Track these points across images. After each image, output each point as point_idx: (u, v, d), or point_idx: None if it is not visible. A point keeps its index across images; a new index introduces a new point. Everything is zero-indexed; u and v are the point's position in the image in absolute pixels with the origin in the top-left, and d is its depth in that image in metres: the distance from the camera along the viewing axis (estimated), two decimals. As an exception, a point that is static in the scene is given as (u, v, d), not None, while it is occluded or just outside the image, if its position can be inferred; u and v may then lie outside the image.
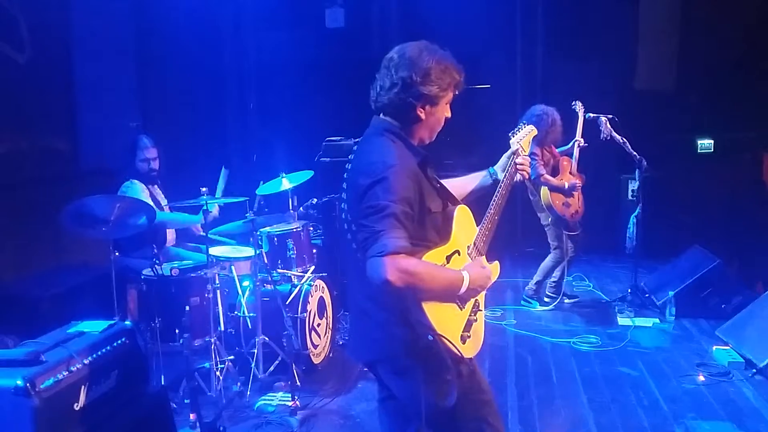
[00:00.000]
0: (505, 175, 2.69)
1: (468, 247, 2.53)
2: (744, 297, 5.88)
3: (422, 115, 2.42)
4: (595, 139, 6.29)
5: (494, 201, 2.64)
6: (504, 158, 2.76)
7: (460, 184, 2.73)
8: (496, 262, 2.58)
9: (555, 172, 6.19)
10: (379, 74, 2.47)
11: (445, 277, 2.34)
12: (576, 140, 6.25)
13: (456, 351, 2.34)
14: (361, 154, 2.45)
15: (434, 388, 2.37)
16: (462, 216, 2.52)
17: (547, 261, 6.40)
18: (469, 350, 2.46)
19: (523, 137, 2.80)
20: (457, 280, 2.34)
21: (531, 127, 2.88)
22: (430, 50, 2.41)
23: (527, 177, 2.76)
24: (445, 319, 2.34)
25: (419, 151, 2.44)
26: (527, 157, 2.75)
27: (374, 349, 2.47)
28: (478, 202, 2.72)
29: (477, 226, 2.60)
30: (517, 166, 2.70)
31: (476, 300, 2.51)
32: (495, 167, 2.78)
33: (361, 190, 2.28)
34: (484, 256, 2.57)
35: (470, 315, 2.48)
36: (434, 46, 2.44)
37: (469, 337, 2.46)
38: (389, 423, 2.67)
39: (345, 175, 2.48)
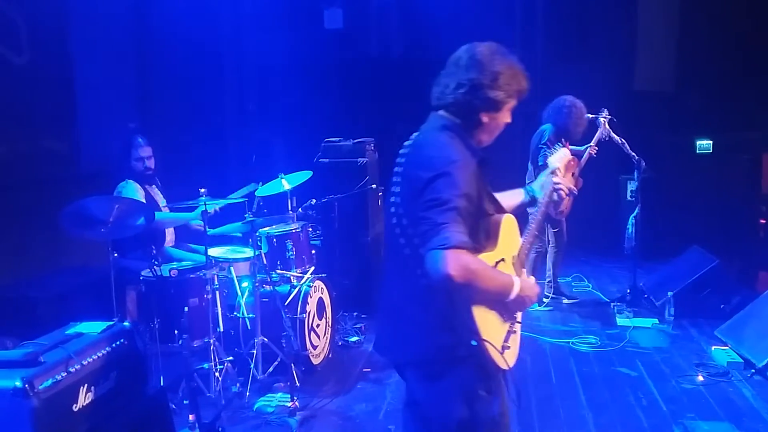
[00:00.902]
0: (545, 193, 2.69)
1: (513, 256, 2.49)
2: (743, 297, 5.88)
3: (485, 119, 2.39)
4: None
5: (534, 217, 2.65)
6: (542, 177, 2.74)
7: (501, 199, 2.65)
8: (533, 278, 2.55)
9: None
10: (445, 71, 2.42)
11: (500, 281, 2.29)
12: (590, 145, 6.27)
13: (498, 359, 2.31)
14: (420, 148, 2.39)
15: (463, 398, 2.34)
16: (509, 225, 2.48)
17: (548, 258, 6.45)
18: (509, 360, 2.42)
19: (560, 159, 2.79)
20: (509, 286, 2.29)
21: (565, 150, 2.88)
22: (501, 54, 2.39)
23: (564, 196, 2.74)
24: (490, 326, 2.31)
25: (477, 151, 2.40)
26: (563, 179, 2.74)
27: (409, 351, 2.43)
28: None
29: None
30: (554, 186, 2.68)
31: (516, 316, 2.48)
32: (533, 185, 2.77)
33: (422, 184, 2.23)
34: (525, 270, 2.55)
35: (511, 326, 2.44)
36: (504, 49, 2.42)
37: (508, 347, 2.41)
38: (413, 429, 2.62)
39: (397, 169, 2.44)
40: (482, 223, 2.37)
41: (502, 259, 2.41)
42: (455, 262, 2.08)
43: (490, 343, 2.27)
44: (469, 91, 2.35)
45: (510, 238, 2.48)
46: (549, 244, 6.42)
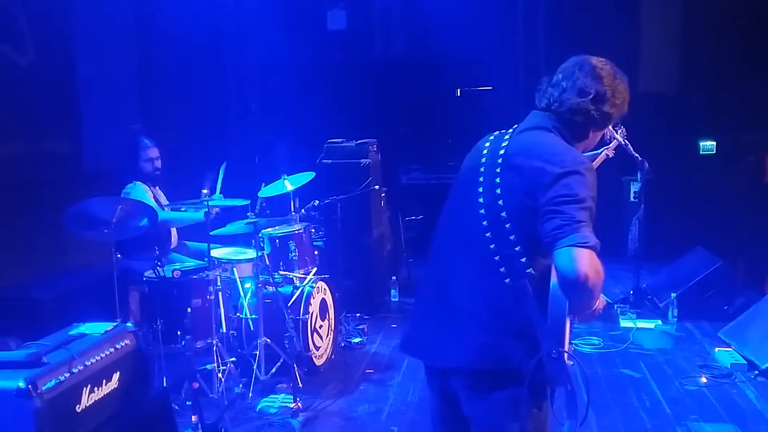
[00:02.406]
0: None
1: None
2: (746, 299, 5.87)
3: (590, 135, 2.36)
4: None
5: None
6: None
7: None
8: None
9: None
10: (563, 74, 2.36)
11: (599, 292, 2.15)
12: (608, 148, 6.27)
13: (570, 374, 2.15)
14: (535, 143, 2.26)
15: (516, 415, 2.23)
16: None
17: None
18: None
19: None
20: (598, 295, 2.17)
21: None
22: (618, 73, 2.38)
23: None
24: (567, 340, 2.18)
25: None
26: None
27: (466, 357, 2.25)
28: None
29: None
30: None
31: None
32: None
33: (549, 178, 2.10)
34: None
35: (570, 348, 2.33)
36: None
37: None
38: None
39: (485, 161, 2.31)
40: None
41: None
42: (593, 262, 1.99)
43: (572, 356, 2.15)
44: (592, 101, 2.28)
45: None
46: None
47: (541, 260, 2.17)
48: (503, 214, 2.19)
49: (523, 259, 2.17)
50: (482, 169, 2.30)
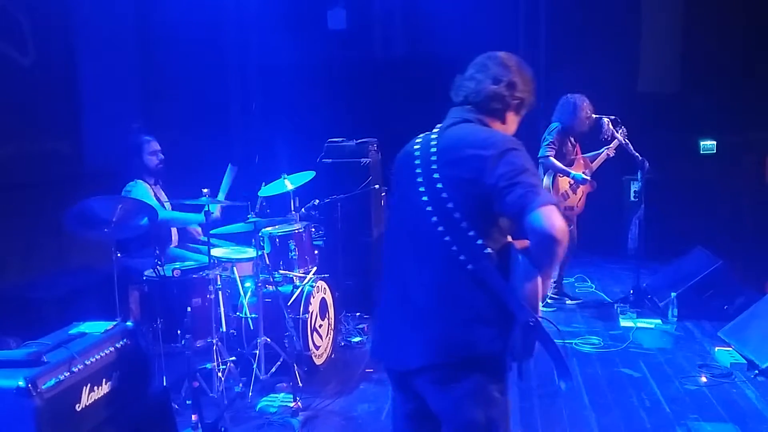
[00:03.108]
0: None
1: None
2: (746, 298, 5.87)
3: (508, 119, 2.49)
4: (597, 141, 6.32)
5: None
6: None
7: None
8: None
9: (569, 166, 6.22)
10: (475, 68, 2.51)
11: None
12: (609, 148, 6.29)
13: (552, 338, 2.29)
14: (461, 135, 2.40)
15: (480, 402, 2.32)
16: None
17: None
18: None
19: None
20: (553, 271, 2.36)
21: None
22: (525, 65, 2.56)
23: None
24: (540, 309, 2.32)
25: None
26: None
27: (427, 353, 2.32)
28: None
29: None
30: None
31: None
32: None
33: (488, 162, 2.25)
34: None
35: None
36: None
37: None
38: None
39: (418, 162, 2.41)
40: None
41: None
42: (560, 218, 2.16)
43: (549, 320, 2.29)
44: (506, 87, 2.44)
45: None
46: None
47: (496, 238, 2.32)
48: (450, 205, 2.30)
49: (479, 242, 2.28)
50: (419, 170, 2.41)
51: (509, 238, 2.38)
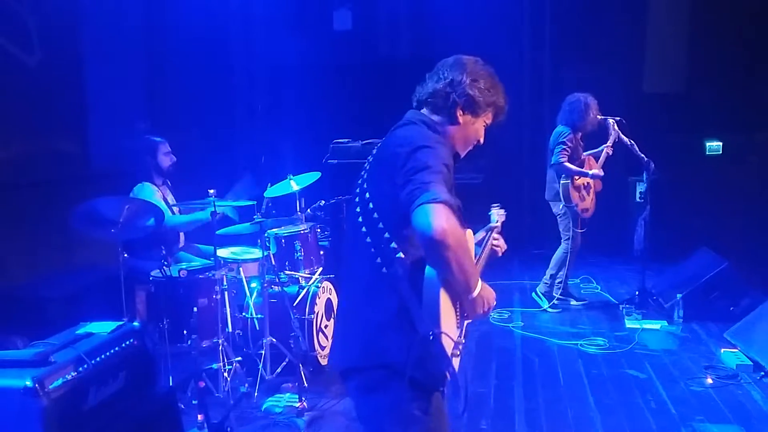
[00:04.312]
0: (481, 250, 2.57)
1: None
2: (752, 299, 5.84)
3: (460, 119, 2.37)
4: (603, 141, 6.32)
5: (481, 253, 2.56)
6: (482, 232, 2.66)
7: None
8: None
9: (580, 167, 6.22)
10: (429, 74, 2.45)
11: (471, 264, 2.17)
12: (606, 146, 6.28)
13: (449, 357, 2.14)
14: (394, 137, 2.35)
15: (396, 418, 2.20)
16: (468, 237, 2.34)
17: (558, 252, 6.42)
18: (455, 367, 2.23)
19: (501, 215, 2.75)
20: (476, 277, 2.18)
21: (502, 212, 2.81)
22: (485, 66, 2.44)
23: (499, 254, 2.66)
24: (448, 324, 2.16)
25: (452, 148, 2.38)
26: (501, 239, 2.66)
27: (352, 355, 2.29)
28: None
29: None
30: (493, 245, 2.61)
31: (463, 330, 2.30)
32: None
33: (401, 159, 2.17)
34: None
35: (454, 345, 2.22)
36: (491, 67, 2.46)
37: (457, 356, 2.24)
38: None
39: (366, 165, 2.41)
40: None
41: None
42: (447, 216, 2.00)
43: (448, 335, 2.13)
44: (449, 85, 2.36)
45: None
46: (570, 244, 6.33)
47: (415, 243, 2.15)
48: (371, 205, 2.27)
49: (393, 245, 2.20)
50: (362, 172, 2.42)
51: None
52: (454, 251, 2.02)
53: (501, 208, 2.80)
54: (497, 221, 2.71)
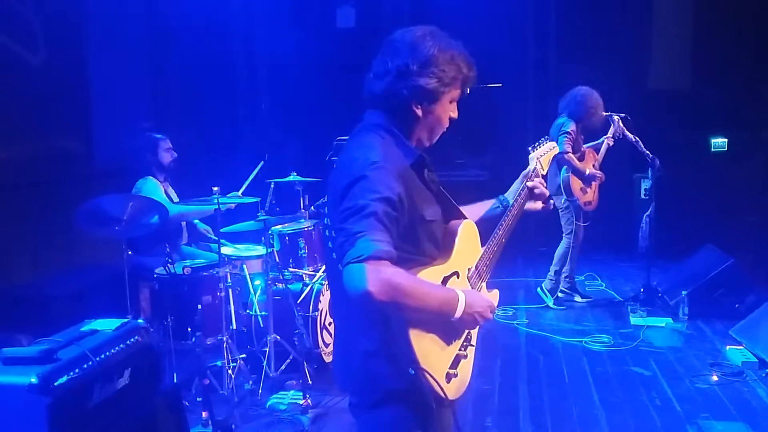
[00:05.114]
0: (515, 199, 2.36)
1: (468, 269, 2.18)
2: (758, 297, 5.83)
3: (418, 112, 2.07)
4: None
5: (503, 222, 2.30)
6: (517, 181, 2.43)
7: (466, 212, 2.29)
8: (496, 291, 2.27)
9: (581, 160, 6.20)
10: (375, 58, 2.14)
11: (436, 296, 1.96)
12: (607, 137, 6.26)
13: (439, 390, 1.98)
14: (346, 151, 2.11)
15: None
16: (467, 232, 2.19)
17: (561, 247, 6.40)
18: (453, 391, 2.07)
19: (543, 154, 2.48)
20: (452, 301, 1.96)
21: (552, 143, 2.59)
22: (435, 36, 2.06)
23: (545, 201, 2.44)
24: (430, 352, 1.99)
25: (413, 151, 2.09)
26: (542, 181, 2.42)
27: (350, 384, 2.14)
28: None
29: (482, 247, 2.27)
30: (527, 186, 2.38)
31: (468, 332, 2.14)
32: (506, 194, 2.43)
33: (340, 192, 1.95)
34: (484, 283, 2.25)
35: (460, 349, 2.11)
36: (443, 33, 2.09)
37: (455, 375, 2.09)
38: None
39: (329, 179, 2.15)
40: (426, 229, 2.06)
41: (456, 273, 2.11)
42: (374, 276, 1.78)
43: (428, 373, 1.95)
44: (395, 79, 2.04)
45: (468, 247, 2.20)
46: (572, 238, 6.31)
47: None
48: (333, 233, 2.05)
49: None
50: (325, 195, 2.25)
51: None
52: (395, 302, 1.83)
53: (543, 145, 2.50)
54: (535, 162, 2.43)
